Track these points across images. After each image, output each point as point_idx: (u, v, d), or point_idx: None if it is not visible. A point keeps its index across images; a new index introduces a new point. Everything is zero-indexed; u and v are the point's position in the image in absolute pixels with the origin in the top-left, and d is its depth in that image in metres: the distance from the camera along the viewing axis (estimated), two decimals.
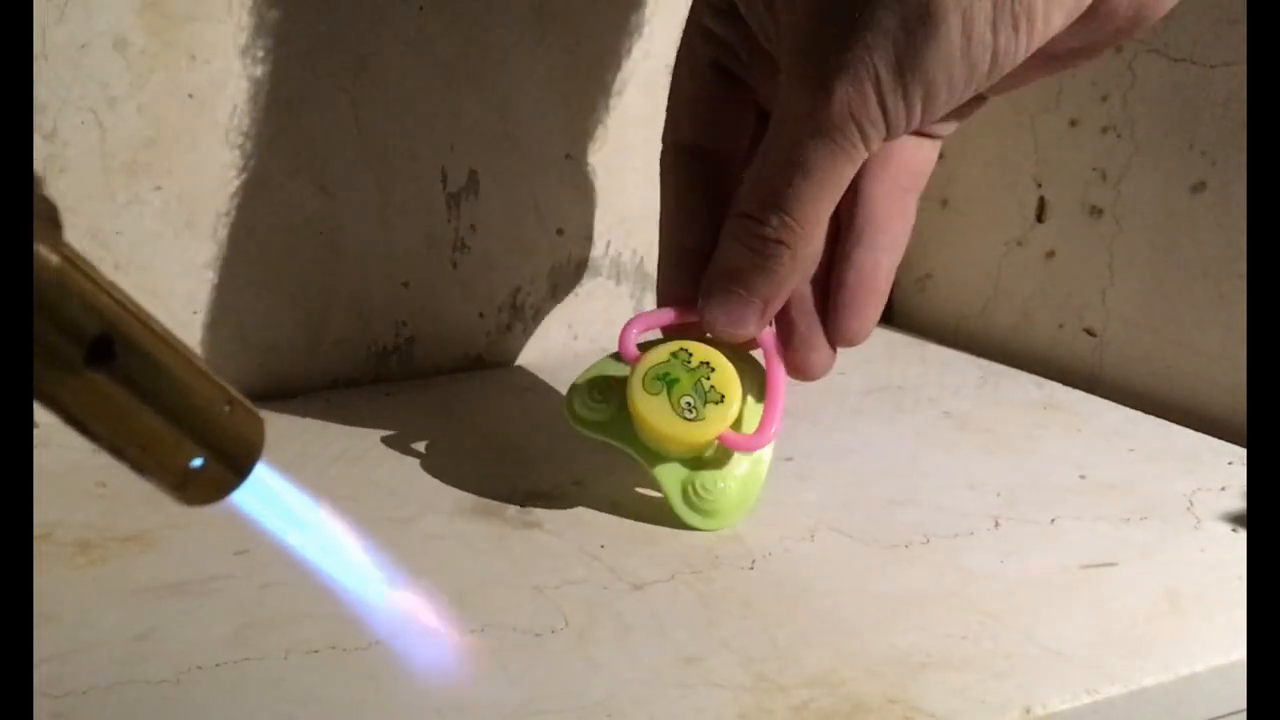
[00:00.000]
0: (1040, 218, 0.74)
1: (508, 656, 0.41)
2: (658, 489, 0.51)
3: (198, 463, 0.31)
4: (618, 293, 0.76)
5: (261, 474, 0.33)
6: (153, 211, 0.63)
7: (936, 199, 0.81)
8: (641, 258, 0.76)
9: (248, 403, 0.32)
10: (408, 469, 0.57)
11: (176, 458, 0.30)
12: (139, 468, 0.30)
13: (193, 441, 0.30)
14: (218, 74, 0.62)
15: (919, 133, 0.49)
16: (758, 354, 0.52)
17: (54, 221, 0.26)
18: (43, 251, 0.25)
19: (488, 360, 0.74)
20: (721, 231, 0.48)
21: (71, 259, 0.26)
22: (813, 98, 0.42)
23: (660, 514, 0.51)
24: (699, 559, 0.48)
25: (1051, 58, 0.44)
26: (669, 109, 0.54)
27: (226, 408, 0.31)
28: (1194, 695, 0.42)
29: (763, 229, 0.45)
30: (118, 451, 0.30)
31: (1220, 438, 0.62)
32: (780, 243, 0.46)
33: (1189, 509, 0.54)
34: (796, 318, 0.50)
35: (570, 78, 0.71)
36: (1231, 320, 0.63)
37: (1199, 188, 0.64)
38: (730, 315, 0.48)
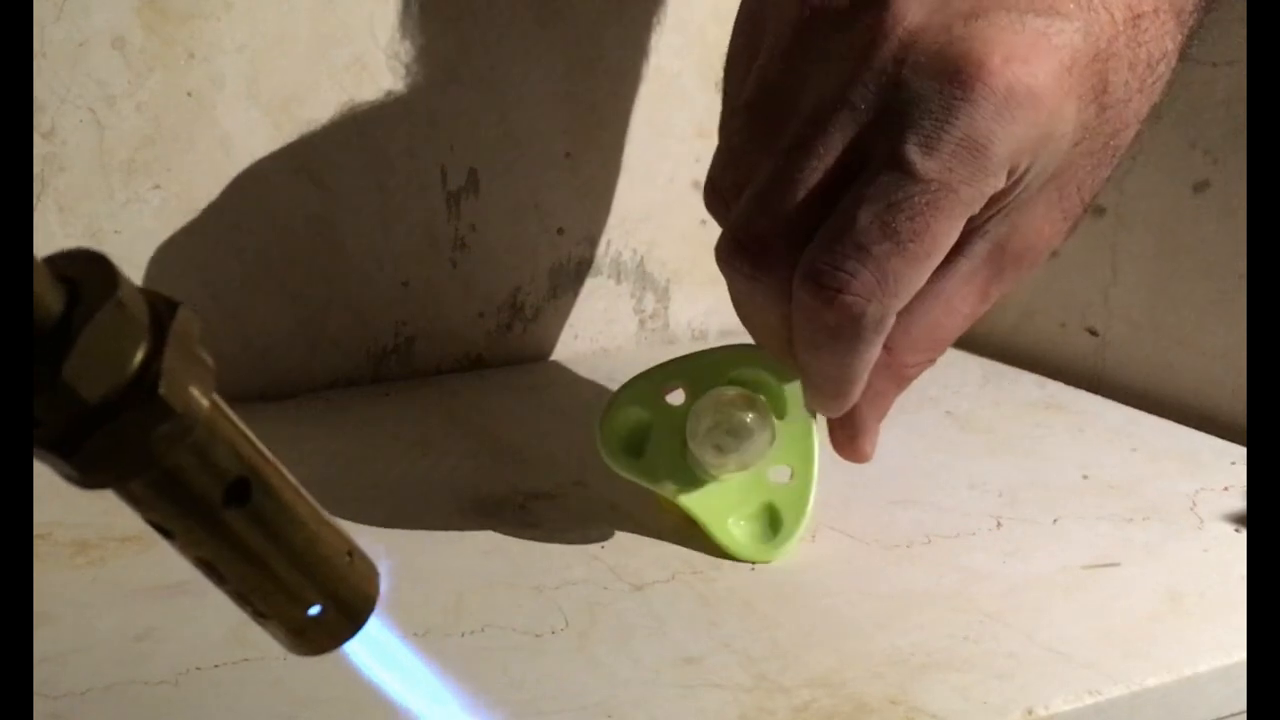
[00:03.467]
0: None
1: (508, 656, 0.41)
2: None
3: (315, 611, 0.31)
4: (618, 292, 0.76)
5: (374, 626, 0.34)
6: (151, 210, 0.62)
7: None
8: (641, 258, 0.76)
9: (364, 553, 0.33)
10: (408, 469, 0.57)
11: (298, 605, 0.31)
12: (260, 614, 0.31)
13: (314, 590, 0.31)
14: (217, 72, 0.62)
15: None
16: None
17: (210, 374, 0.28)
18: (196, 395, 0.27)
19: (488, 360, 0.73)
20: None
21: (218, 405, 0.28)
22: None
23: (660, 514, 0.51)
24: (700, 559, 0.48)
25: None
26: None
27: (348, 558, 0.32)
28: (1196, 696, 0.41)
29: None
30: (242, 596, 0.30)
31: (1223, 437, 0.62)
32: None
33: (1192, 509, 0.54)
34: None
35: (570, 78, 0.71)
36: (1235, 319, 0.63)
37: (1202, 186, 0.64)
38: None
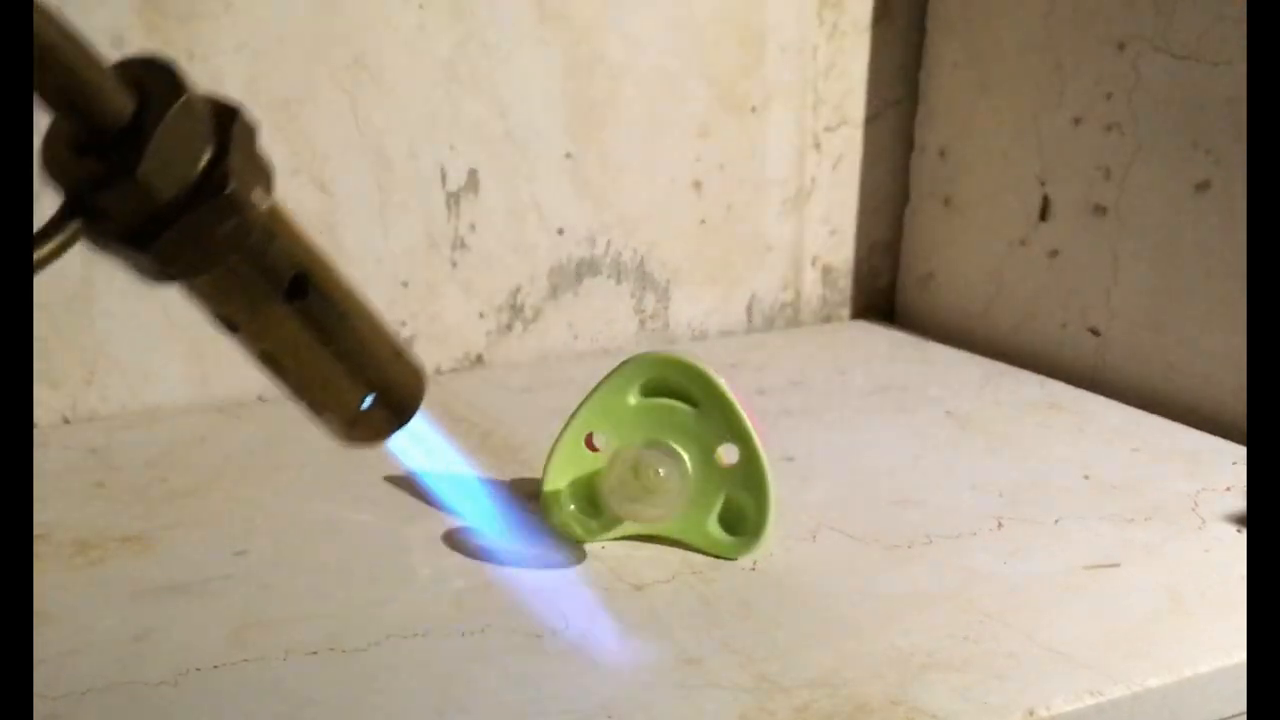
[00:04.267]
0: (1043, 216, 0.74)
1: (508, 656, 0.41)
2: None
3: (368, 403, 0.34)
4: (618, 292, 0.76)
5: (418, 422, 0.36)
6: None
7: (939, 198, 0.81)
8: (642, 257, 0.76)
9: (412, 354, 0.35)
10: (408, 469, 0.57)
11: (350, 396, 0.34)
12: (316, 405, 0.34)
13: (367, 381, 0.34)
14: (216, 72, 0.62)
15: None
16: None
17: (268, 176, 0.31)
18: (256, 199, 0.29)
19: (488, 360, 0.73)
20: None
21: (277, 208, 0.30)
22: None
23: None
24: (699, 559, 0.48)
25: None
26: None
27: (397, 355, 0.34)
28: (1196, 696, 0.41)
29: None
30: (300, 389, 0.34)
31: (1225, 438, 0.62)
32: None
33: (1193, 509, 0.53)
34: None
35: (570, 78, 0.71)
36: (1235, 319, 0.63)
37: (1203, 186, 0.64)
38: None
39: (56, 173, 0.29)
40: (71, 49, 0.28)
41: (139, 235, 0.28)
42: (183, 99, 0.28)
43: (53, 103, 0.28)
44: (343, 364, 0.33)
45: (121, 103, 0.28)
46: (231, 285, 0.31)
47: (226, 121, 0.30)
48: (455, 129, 0.68)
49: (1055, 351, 0.74)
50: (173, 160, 0.28)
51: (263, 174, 0.31)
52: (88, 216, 0.28)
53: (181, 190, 0.28)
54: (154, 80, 0.28)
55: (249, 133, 0.30)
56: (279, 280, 0.31)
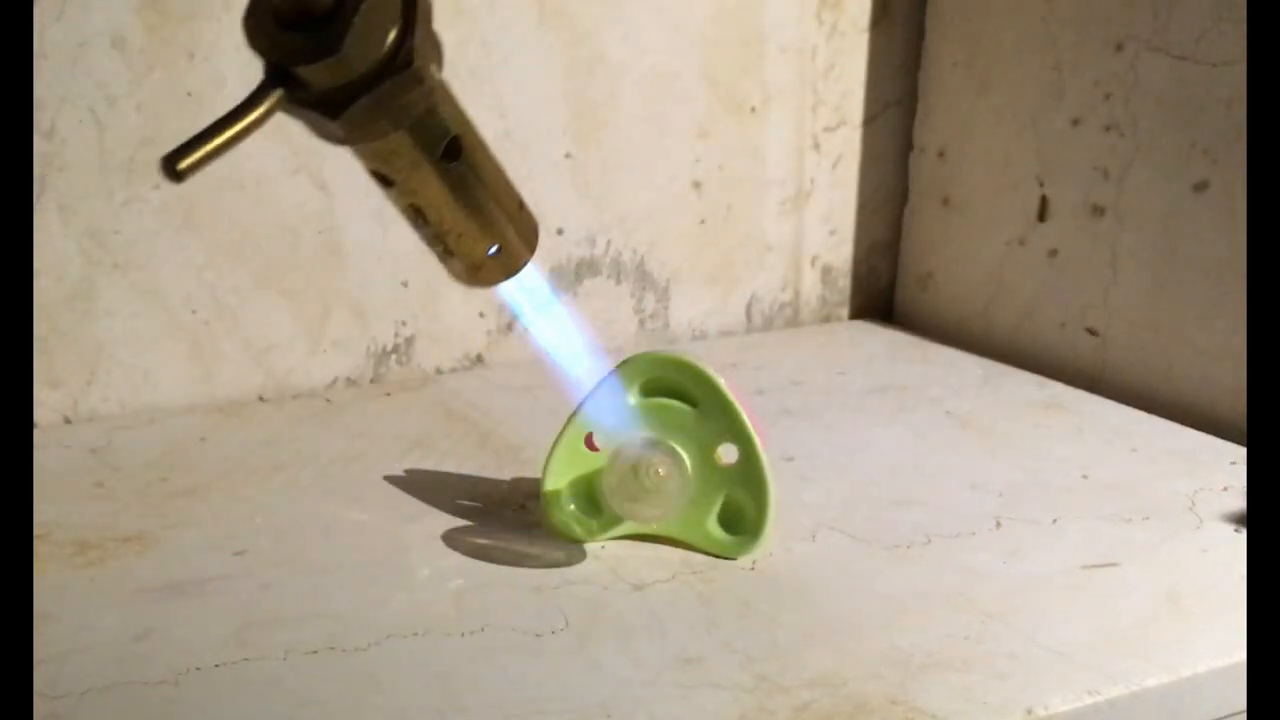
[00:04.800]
0: (1042, 217, 0.74)
1: (508, 656, 0.41)
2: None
3: (493, 250, 0.39)
4: (618, 292, 0.76)
5: (528, 271, 0.41)
6: (151, 210, 0.62)
7: (938, 198, 0.81)
8: (641, 257, 0.76)
9: (529, 211, 0.40)
10: (408, 469, 0.57)
11: (481, 244, 0.38)
12: (448, 251, 0.38)
13: (496, 233, 0.38)
14: (216, 72, 0.62)
15: None
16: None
17: (440, 51, 0.34)
18: (434, 68, 0.34)
19: (488, 360, 0.73)
20: None
21: (442, 81, 0.35)
22: None
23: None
24: (699, 559, 0.48)
25: None
26: None
27: (520, 210, 0.39)
28: (1196, 696, 0.41)
29: None
30: (437, 237, 0.38)
31: (1223, 437, 0.62)
32: None
33: (1191, 509, 0.54)
34: None
35: (570, 78, 0.71)
36: (1235, 319, 0.63)
37: (1201, 186, 0.64)
38: None
39: (262, 45, 0.32)
40: None
41: (332, 103, 0.32)
42: None
43: None
44: (478, 218, 0.38)
45: None
46: (399, 147, 0.35)
47: (411, 1, 0.33)
48: None
49: (1054, 352, 0.74)
50: (369, 38, 0.32)
51: (436, 49, 0.34)
52: (287, 86, 0.32)
53: (373, 64, 0.32)
54: None
55: (428, 11, 0.33)
56: (438, 144, 0.35)
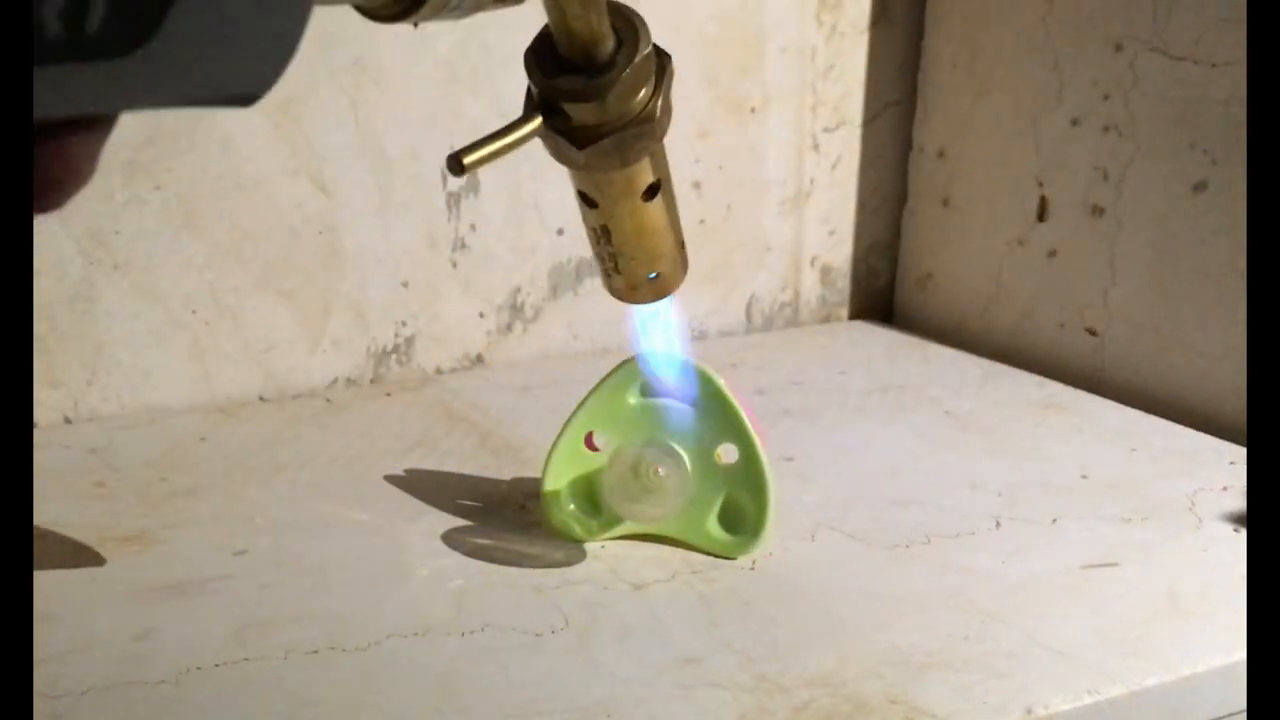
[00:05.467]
0: (1041, 217, 0.74)
1: (508, 656, 0.41)
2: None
3: (652, 275, 0.45)
4: None
5: (667, 304, 0.47)
6: (152, 211, 0.62)
7: (938, 198, 0.81)
8: None
9: (685, 250, 0.46)
10: (408, 469, 0.57)
11: (645, 269, 0.44)
12: (619, 269, 0.44)
13: (659, 261, 0.44)
14: None
15: None
16: None
17: (671, 113, 0.41)
18: (662, 127, 0.40)
19: (488, 360, 0.73)
20: None
21: (656, 142, 0.41)
22: None
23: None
24: (699, 559, 0.48)
25: None
26: None
27: (680, 247, 0.45)
28: (1196, 696, 0.42)
29: None
30: (611, 256, 0.44)
31: (1222, 437, 0.62)
32: None
33: (1190, 509, 0.54)
34: None
35: None
36: (1234, 319, 0.63)
37: (1200, 187, 0.64)
38: None
39: (537, 79, 0.39)
40: None
41: (583, 137, 0.39)
42: (648, 50, 0.38)
43: (564, 30, 0.37)
44: (650, 248, 0.43)
45: (609, 41, 0.37)
46: (616, 180, 0.41)
47: (663, 65, 0.39)
48: (455, 129, 0.68)
49: (1053, 352, 0.74)
50: (630, 91, 0.38)
51: (668, 112, 0.40)
52: (550, 115, 0.39)
53: (625, 113, 0.38)
54: (628, 27, 0.38)
55: (671, 77, 0.40)
56: (645, 184, 0.41)
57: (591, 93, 0.38)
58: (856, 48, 0.80)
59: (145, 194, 0.62)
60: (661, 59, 0.40)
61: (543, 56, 0.39)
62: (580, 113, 0.38)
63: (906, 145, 0.83)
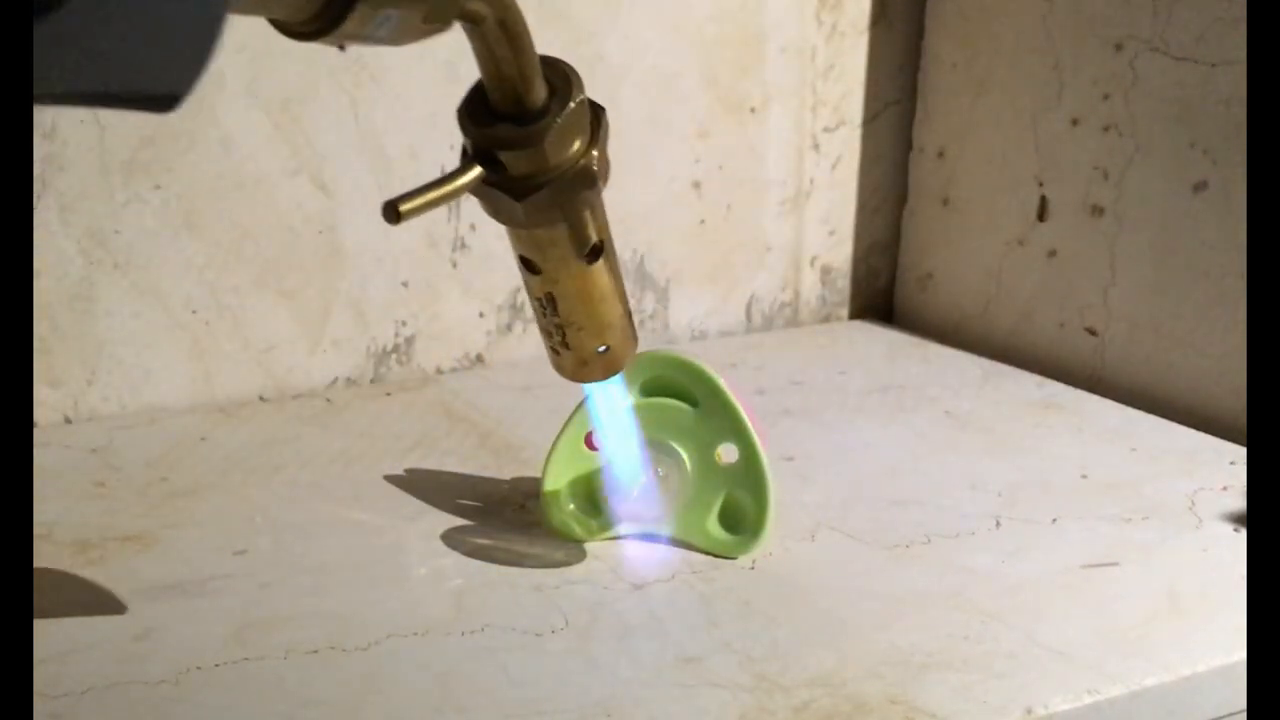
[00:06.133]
0: (1041, 217, 0.74)
1: (508, 656, 0.41)
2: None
3: (601, 349, 0.44)
4: None
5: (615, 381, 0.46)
6: (152, 211, 0.62)
7: (938, 198, 0.81)
8: (642, 257, 0.76)
9: (634, 321, 0.45)
10: (408, 469, 0.57)
11: (594, 342, 0.43)
12: (564, 345, 0.43)
13: (608, 334, 0.43)
14: (217, 72, 0.62)
15: None
16: None
17: (608, 167, 0.40)
18: (602, 180, 0.39)
19: (488, 360, 0.73)
20: None
21: (595, 200, 0.40)
22: None
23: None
24: (699, 559, 0.48)
25: None
26: None
27: (628, 319, 0.44)
28: (1196, 696, 0.42)
29: None
30: (559, 328, 0.43)
31: (1222, 437, 0.62)
32: None
33: (1190, 509, 0.54)
34: None
35: None
36: (1234, 319, 0.63)
37: (1201, 186, 0.64)
38: None
39: (471, 131, 0.39)
40: (527, 40, 0.38)
41: (521, 188, 0.38)
42: (581, 99, 0.38)
43: (496, 77, 0.38)
44: (597, 317, 0.42)
45: (541, 90, 0.38)
46: (557, 239, 0.40)
47: (598, 118, 0.40)
48: (455, 129, 0.68)
49: (1053, 351, 0.74)
50: (565, 139, 0.38)
51: (606, 162, 0.40)
52: (487, 166, 0.39)
53: (562, 161, 0.38)
54: (560, 78, 0.38)
55: (607, 130, 0.40)
56: (586, 243, 0.40)
57: (526, 140, 0.38)
58: (856, 48, 0.80)
59: (145, 194, 0.62)
60: (596, 111, 0.40)
61: (476, 108, 0.39)
62: (516, 162, 0.38)
63: (906, 145, 0.83)
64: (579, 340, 0.43)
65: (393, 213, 0.36)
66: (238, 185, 0.64)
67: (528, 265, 0.42)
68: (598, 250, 0.41)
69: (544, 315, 0.43)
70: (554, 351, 0.44)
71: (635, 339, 0.45)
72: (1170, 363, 0.67)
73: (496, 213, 0.40)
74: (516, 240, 0.42)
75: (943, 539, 0.50)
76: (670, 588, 0.46)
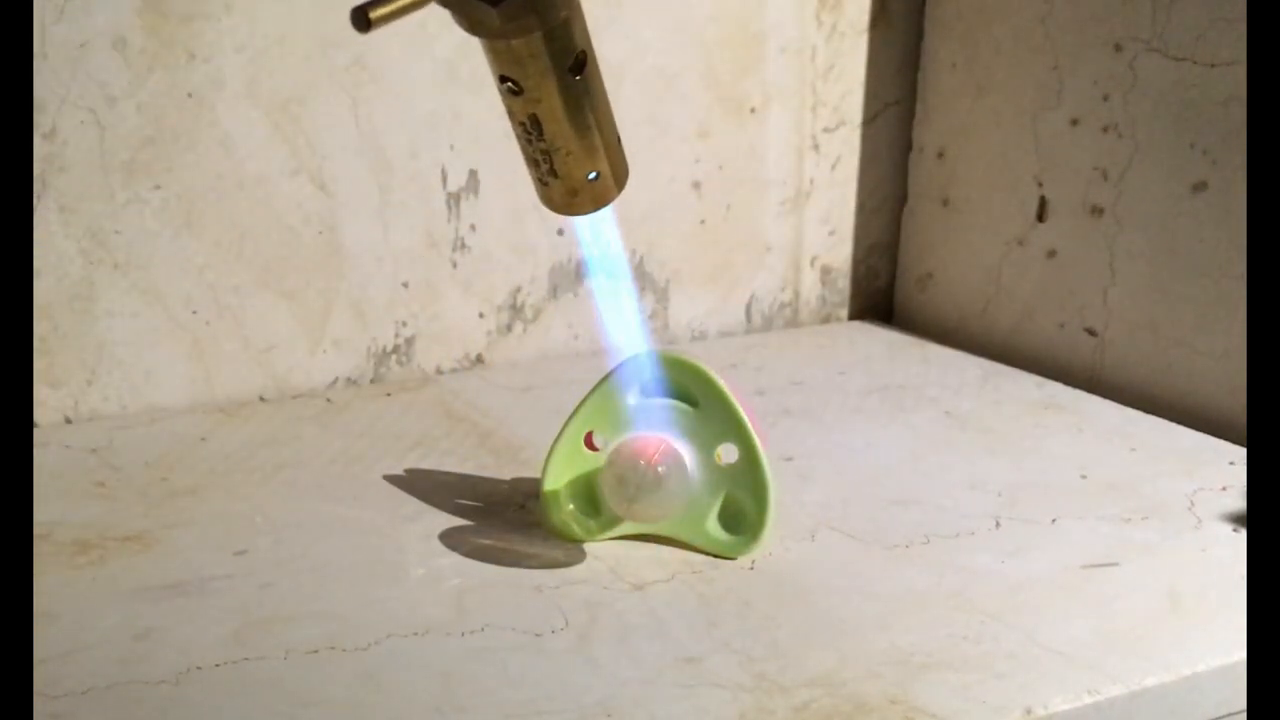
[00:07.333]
0: (1041, 217, 0.74)
1: (508, 656, 0.41)
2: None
3: (592, 176, 0.41)
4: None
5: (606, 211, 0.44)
6: (152, 211, 0.62)
7: (937, 198, 0.81)
8: (641, 257, 0.76)
9: (622, 145, 0.43)
10: (408, 469, 0.57)
11: (584, 166, 0.41)
12: (555, 171, 0.41)
13: (599, 158, 0.41)
14: (217, 73, 0.62)
15: None
16: None
17: None
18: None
19: (488, 360, 0.73)
20: None
21: (574, 5, 0.38)
22: None
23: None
24: (699, 559, 0.48)
25: None
26: None
27: (618, 143, 0.42)
28: (1196, 696, 0.42)
29: None
30: (545, 154, 0.41)
31: (1222, 438, 0.62)
32: None
33: (1190, 509, 0.54)
34: None
35: None
36: (1233, 319, 0.63)
37: (1200, 187, 0.64)
38: None
39: None
40: None
41: None
42: None
43: None
44: (588, 138, 0.40)
45: None
46: (536, 51, 0.38)
47: None
48: (455, 129, 0.68)
49: (1053, 352, 0.74)
50: None
51: None
52: None
53: None
54: None
55: None
56: (569, 55, 0.38)
57: None
58: (856, 48, 0.80)
59: (145, 194, 0.62)
60: None
61: None
62: None
63: (906, 145, 0.83)
64: (567, 166, 0.41)
65: (362, 19, 0.35)
66: (238, 185, 0.64)
67: (510, 85, 0.40)
68: (580, 63, 0.39)
69: (529, 142, 0.41)
70: (541, 183, 0.42)
71: (626, 169, 0.43)
72: (1170, 363, 0.67)
73: (471, 25, 0.38)
74: (495, 58, 0.39)
75: (942, 539, 0.50)
76: (670, 588, 0.46)
